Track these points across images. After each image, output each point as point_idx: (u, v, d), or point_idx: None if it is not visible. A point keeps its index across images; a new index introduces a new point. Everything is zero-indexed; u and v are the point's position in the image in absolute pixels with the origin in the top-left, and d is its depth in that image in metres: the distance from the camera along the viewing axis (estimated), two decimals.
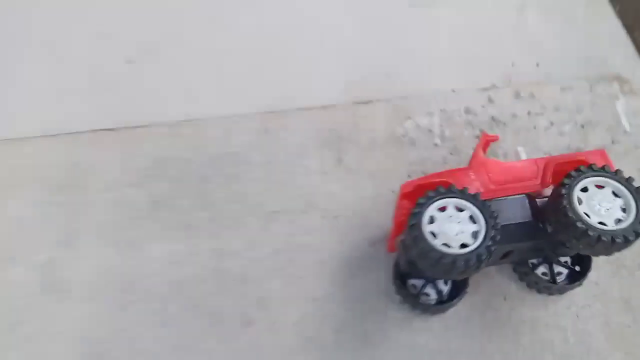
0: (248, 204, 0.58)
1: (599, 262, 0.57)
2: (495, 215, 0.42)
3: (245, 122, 0.60)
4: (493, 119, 0.67)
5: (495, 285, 0.54)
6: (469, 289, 0.51)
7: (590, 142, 0.67)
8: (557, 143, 0.67)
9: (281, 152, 0.60)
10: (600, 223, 0.42)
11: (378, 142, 0.63)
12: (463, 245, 0.40)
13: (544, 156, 0.52)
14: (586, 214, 0.42)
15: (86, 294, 0.51)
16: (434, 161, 0.61)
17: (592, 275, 0.54)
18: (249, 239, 0.56)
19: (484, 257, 0.40)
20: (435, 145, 0.63)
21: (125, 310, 0.51)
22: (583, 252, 0.48)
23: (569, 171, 0.45)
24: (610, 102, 0.70)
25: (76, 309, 0.50)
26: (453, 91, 0.68)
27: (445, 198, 0.42)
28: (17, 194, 0.54)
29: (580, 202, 0.43)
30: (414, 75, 0.68)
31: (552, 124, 0.68)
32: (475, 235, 0.41)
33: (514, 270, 0.55)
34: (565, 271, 0.55)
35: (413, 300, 0.51)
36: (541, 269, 0.54)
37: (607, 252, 0.43)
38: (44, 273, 0.51)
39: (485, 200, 0.42)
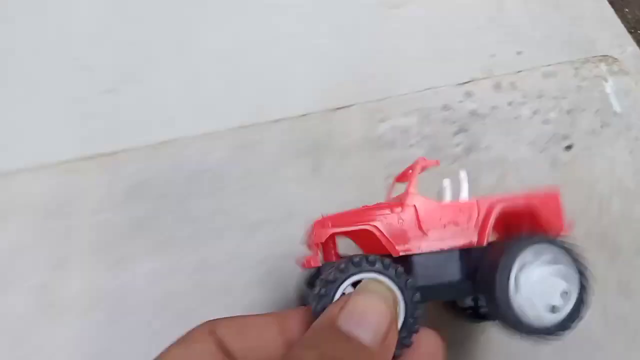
0: (230, 217, 0.59)
1: (593, 250, 0.56)
2: (417, 293, 0.37)
3: (222, 138, 0.62)
4: (472, 113, 0.66)
5: None
6: None
7: (578, 127, 0.65)
8: (542, 132, 0.65)
9: (259, 164, 0.62)
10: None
11: (355, 146, 0.63)
12: None
13: (488, 196, 0.44)
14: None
15: (80, 312, 0.54)
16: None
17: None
18: (232, 251, 0.57)
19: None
20: (412, 146, 0.63)
21: (116, 324, 0.53)
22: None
23: (516, 224, 0.41)
24: (597, 85, 0.68)
25: (71, 326, 0.53)
26: (430, 89, 0.67)
27: (361, 273, 0.36)
28: (7, 225, 0.58)
29: (517, 284, 0.38)
30: (389, 76, 0.68)
31: (535, 112, 0.66)
32: None
33: None
34: None
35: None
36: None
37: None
38: (39, 295, 0.55)
39: (406, 275, 0.37)
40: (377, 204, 0.43)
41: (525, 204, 0.43)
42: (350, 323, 0.31)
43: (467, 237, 0.42)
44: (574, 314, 0.39)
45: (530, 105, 0.66)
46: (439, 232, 0.42)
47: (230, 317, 0.38)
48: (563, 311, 0.39)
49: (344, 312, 0.32)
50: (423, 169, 0.44)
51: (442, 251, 0.41)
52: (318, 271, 0.43)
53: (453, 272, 0.41)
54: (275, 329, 0.36)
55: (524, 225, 0.44)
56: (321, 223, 0.41)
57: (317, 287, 0.37)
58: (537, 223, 0.43)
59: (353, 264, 0.37)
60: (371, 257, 0.37)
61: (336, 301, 0.35)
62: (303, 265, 0.41)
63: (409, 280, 0.37)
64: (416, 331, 0.37)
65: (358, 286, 0.35)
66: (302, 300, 0.47)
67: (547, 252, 0.40)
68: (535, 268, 0.39)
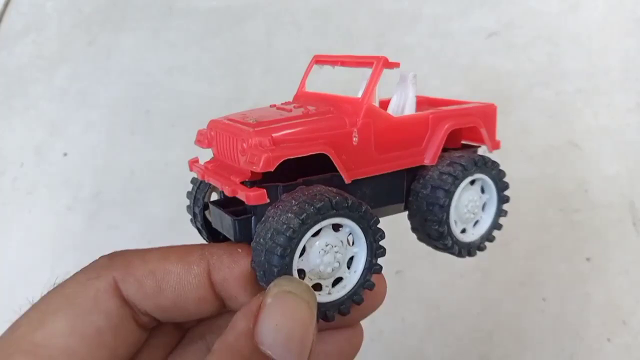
0: None
1: None
2: (383, 232, 0.34)
3: None
4: None
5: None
6: None
7: None
8: None
9: None
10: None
11: None
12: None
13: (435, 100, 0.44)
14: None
15: None
16: None
17: None
18: None
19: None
20: None
21: None
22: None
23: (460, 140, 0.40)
24: None
25: None
26: None
27: (325, 220, 0.31)
28: None
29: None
30: None
31: None
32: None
33: None
34: None
35: None
36: None
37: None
38: None
39: (371, 214, 0.33)
40: (322, 111, 0.36)
41: (471, 122, 0.41)
42: (276, 345, 0.28)
43: (416, 156, 0.39)
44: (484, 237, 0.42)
45: None
46: (392, 153, 0.38)
47: (130, 253, 0.34)
48: (480, 228, 0.41)
49: (264, 328, 0.28)
50: (381, 70, 0.37)
51: (391, 173, 0.38)
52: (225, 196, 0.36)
53: (398, 192, 0.40)
54: (175, 274, 0.33)
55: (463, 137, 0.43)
56: (259, 143, 0.31)
57: (261, 235, 0.31)
58: (475, 137, 0.43)
59: (316, 211, 0.29)
60: (335, 200, 0.31)
61: (247, 307, 0.29)
62: (229, 193, 0.33)
63: (375, 219, 0.32)
64: (379, 271, 0.33)
65: (271, 288, 0.30)
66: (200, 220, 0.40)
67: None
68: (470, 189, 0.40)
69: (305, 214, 0.30)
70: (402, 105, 0.41)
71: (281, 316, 0.28)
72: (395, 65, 0.38)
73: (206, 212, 0.39)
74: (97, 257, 0.34)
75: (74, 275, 0.33)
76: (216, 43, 0.85)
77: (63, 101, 0.87)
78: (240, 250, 0.33)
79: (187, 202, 0.39)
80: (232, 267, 0.32)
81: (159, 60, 0.86)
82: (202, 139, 0.37)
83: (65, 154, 0.84)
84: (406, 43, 0.78)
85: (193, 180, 0.40)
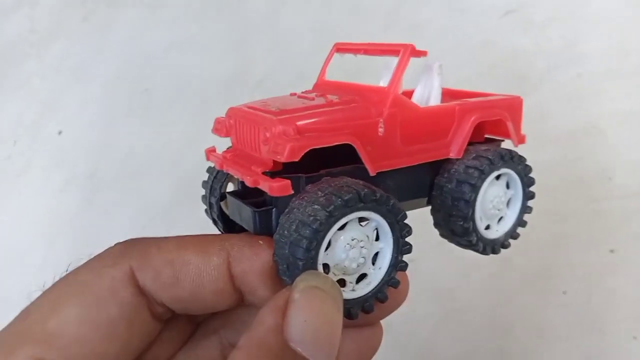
0: None
1: None
2: (410, 229, 0.33)
3: None
4: None
5: None
6: None
7: None
8: None
9: None
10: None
11: None
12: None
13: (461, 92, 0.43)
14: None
15: None
16: None
17: None
18: None
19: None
20: None
21: None
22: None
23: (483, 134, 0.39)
24: None
25: None
26: None
27: (353, 213, 0.30)
28: None
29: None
30: None
31: None
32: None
33: None
34: None
35: None
36: None
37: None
38: None
39: (398, 209, 0.32)
40: (346, 100, 0.35)
41: (498, 115, 0.39)
42: (305, 341, 0.27)
43: (441, 149, 0.38)
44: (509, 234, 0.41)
45: None
46: (417, 145, 0.36)
47: (147, 242, 0.33)
48: (505, 224, 0.40)
49: (293, 324, 0.27)
50: (409, 59, 0.35)
51: (415, 166, 0.36)
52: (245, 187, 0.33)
53: (422, 186, 0.38)
54: (194, 265, 0.32)
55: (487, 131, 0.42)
56: (283, 131, 0.30)
57: (285, 227, 0.30)
58: (499, 131, 0.41)
59: (344, 203, 0.29)
60: (364, 192, 0.30)
61: (273, 302, 0.28)
62: (250, 184, 0.31)
63: (403, 214, 0.31)
64: (404, 268, 0.32)
65: (297, 283, 0.29)
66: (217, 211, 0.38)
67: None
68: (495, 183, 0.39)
69: (332, 206, 0.29)
70: (427, 96, 0.39)
71: (309, 312, 0.27)
72: (423, 54, 0.36)
73: (222, 203, 0.38)
74: (113, 244, 0.33)
75: (87, 262, 0.32)
76: (217, 18, 0.81)
77: (57, 78, 0.84)
78: (261, 242, 0.32)
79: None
80: (253, 259, 0.31)
81: (157, 36, 0.82)
82: (221, 128, 0.35)
83: (60, 132, 0.82)
84: (418, 21, 0.74)
85: (209, 170, 0.39)
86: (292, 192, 0.30)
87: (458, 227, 0.37)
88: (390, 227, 0.32)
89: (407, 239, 0.32)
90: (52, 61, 0.85)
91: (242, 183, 0.34)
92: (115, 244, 0.33)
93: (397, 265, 0.32)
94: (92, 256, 0.32)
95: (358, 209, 0.30)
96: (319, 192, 0.29)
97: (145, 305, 0.31)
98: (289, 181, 0.30)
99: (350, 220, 0.30)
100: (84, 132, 0.82)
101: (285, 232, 0.29)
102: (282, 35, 0.79)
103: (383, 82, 0.39)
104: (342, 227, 0.30)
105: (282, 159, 0.29)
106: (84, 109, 0.83)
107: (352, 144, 0.32)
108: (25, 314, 0.30)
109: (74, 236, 0.78)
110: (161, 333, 0.34)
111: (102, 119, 0.81)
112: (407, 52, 0.36)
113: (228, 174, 0.37)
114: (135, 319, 0.31)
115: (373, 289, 0.32)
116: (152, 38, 0.83)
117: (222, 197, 0.38)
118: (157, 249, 0.32)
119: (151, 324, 0.32)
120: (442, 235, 0.40)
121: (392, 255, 0.32)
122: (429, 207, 0.40)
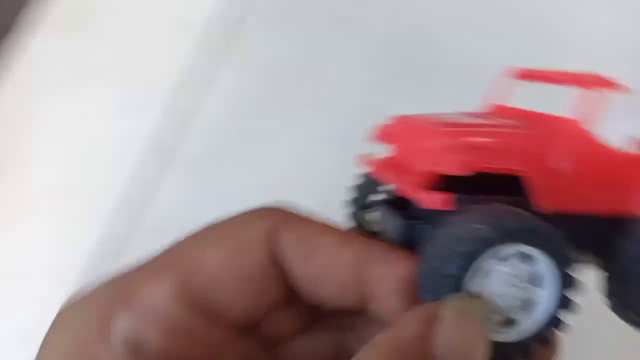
0: None
1: None
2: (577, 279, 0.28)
3: None
4: None
5: None
6: None
7: None
8: None
9: None
10: None
11: None
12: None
13: None
14: None
15: None
16: None
17: None
18: None
19: None
20: None
21: None
22: None
23: None
24: None
25: None
26: None
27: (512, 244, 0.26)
28: None
29: None
30: None
31: None
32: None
33: None
34: None
35: None
36: None
37: None
38: None
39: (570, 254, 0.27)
40: (524, 125, 0.32)
41: None
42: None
43: (630, 203, 0.32)
44: None
45: None
46: (599, 191, 0.32)
47: (297, 218, 0.31)
48: None
49: (439, 339, 0.25)
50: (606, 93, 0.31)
51: (590, 215, 0.31)
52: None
53: (594, 242, 0.32)
54: (326, 253, 0.30)
55: None
56: (452, 145, 0.28)
57: (438, 241, 0.27)
58: None
59: (511, 229, 0.26)
60: (538, 225, 0.27)
61: (419, 312, 0.26)
62: (408, 195, 0.29)
63: (573, 263, 0.27)
64: (561, 328, 0.28)
65: (450, 301, 0.26)
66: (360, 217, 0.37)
67: None
68: None
69: (498, 228, 0.26)
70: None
71: (457, 333, 0.25)
72: (617, 87, 0.32)
73: (362, 212, 0.37)
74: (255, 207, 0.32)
75: (232, 215, 0.32)
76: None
77: None
78: (404, 253, 0.30)
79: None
80: (393, 266, 0.29)
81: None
82: (384, 135, 0.35)
83: None
84: None
85: (360, 176, 0.38)
86: (453, 207, 0.28)
87: None
88: (556, 274, 0.27)
89: (571, 295, 0.28)
90: None
91: (393, 193, 0.33)
92: (261, 205, 0.32)
93: (554, 322, 0.28)
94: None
95: (526, 242, 0.26)
96: (483, 213, 0.27)
97: (274, 271, 0.31)
98: (451, 195, 0.28)
99: (512, 254, 0.27)
100: None
101: (439, 246, 0.27)
102: None
103: (571, 114, 0.36)
104: (503, 259, 0.27)
105: (449, 172, 0.28)
106: None
107: (523, 174, 0.29)
108: (169, 250, 0.31)
109: None
110: (285, 309, 0.33)
111: None
112: (597, 83, 0.32)
113: (373, 182, 0.36)
114: (265, 280, 0.30)
115: (516, 340, 0.28)
116: None
117: (364, 206, 0.37)
118: (298, 221, 0.31)
119: (279, 292, 0.31)
120: (614, 309, 0.34)
121: (551, 308, 0.28)
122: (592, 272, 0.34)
